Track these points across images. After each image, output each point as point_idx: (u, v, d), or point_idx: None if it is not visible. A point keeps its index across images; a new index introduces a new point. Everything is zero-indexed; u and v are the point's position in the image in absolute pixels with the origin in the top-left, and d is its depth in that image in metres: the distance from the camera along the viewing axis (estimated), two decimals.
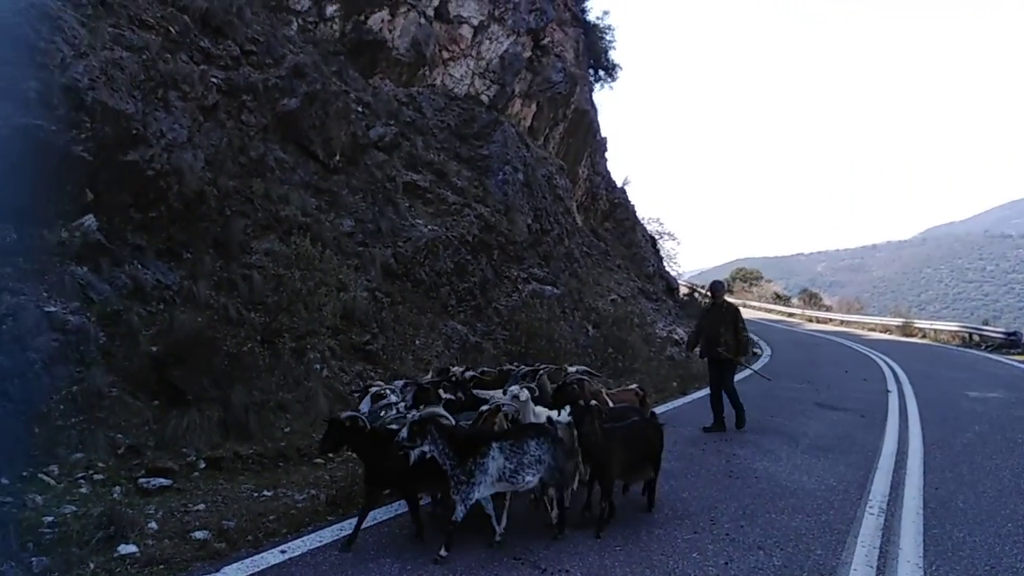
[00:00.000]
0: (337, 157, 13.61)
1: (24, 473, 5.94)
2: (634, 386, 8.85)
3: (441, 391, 7.09)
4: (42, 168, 7.89)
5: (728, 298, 11.53)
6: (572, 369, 7.84)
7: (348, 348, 11.07)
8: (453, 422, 5.50)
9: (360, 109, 15.48)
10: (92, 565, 4.82)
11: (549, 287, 16.95)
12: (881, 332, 34.55)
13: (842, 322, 39.45)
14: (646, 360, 16.45)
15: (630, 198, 32.74)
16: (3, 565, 4.54)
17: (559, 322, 14.74)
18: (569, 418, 6.12)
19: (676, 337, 21.23)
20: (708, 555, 5.62)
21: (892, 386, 15.49)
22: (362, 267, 12.22)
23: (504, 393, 6.53)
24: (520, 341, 13.71)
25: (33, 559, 4.72)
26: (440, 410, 5.51)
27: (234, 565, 4.99)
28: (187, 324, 8.49)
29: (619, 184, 32.80)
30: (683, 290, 35.18)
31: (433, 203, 15.16)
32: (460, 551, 5.44)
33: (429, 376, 8.00)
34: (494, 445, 5.36)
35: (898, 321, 34.49)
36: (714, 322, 10.45)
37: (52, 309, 7.35)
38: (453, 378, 7.53)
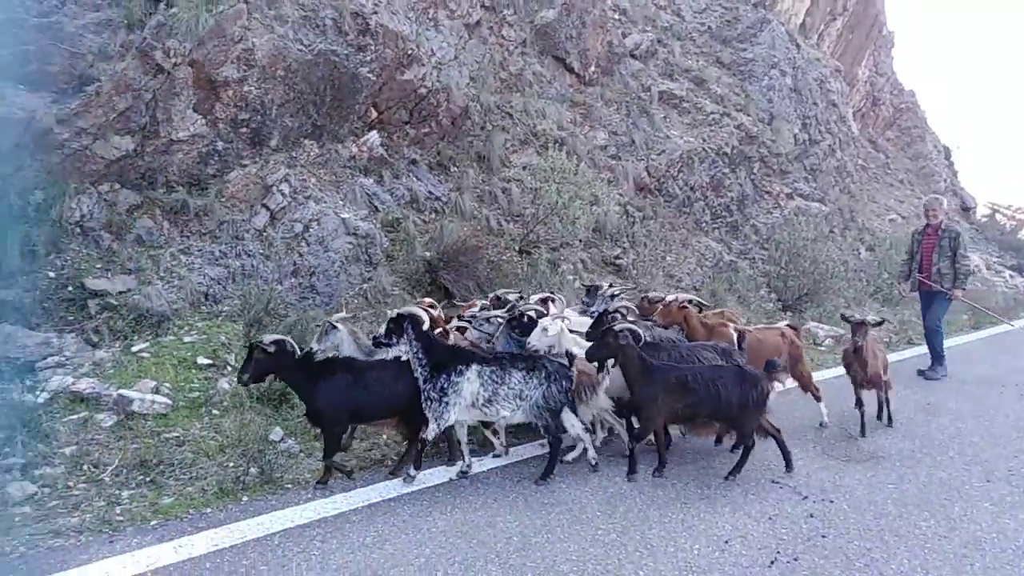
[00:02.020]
0: (592, 68, 13.46)
1: None
2: (782, 324, 7.13)
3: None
4: (337, 89, 8.83)
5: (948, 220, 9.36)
6: (614, 306, 6.42)
7: (599, 261, 11.23)
8: (428, 323, 4.98)
9: (616, 16, 15.05)
10: None
11: (816, 203, 15.54)
12: None
13: None
14: None
15: (920, 103, 28.37)
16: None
17: (826, 242, 13.53)
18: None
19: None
20: (1004, 507, 4.94)
21: None
22: (614, 180, 12.17)
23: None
24: (780, 262, 12.82)
25: None
26: (418, 310, 5.01)
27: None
28: (455, 233, 9.18)
29: (906, 87, 28.51)
30: (982, 210, 30.10)
31: (689, 113, 14.46)
32: (711, 469, 5.39)
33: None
34: (474, 367, 4.84)
35: None
36: (927, 247, 8.89)
37: (346, 216, 8.36)
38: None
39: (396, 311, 4.91)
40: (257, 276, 7.33)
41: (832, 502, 4.91)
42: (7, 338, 5.67)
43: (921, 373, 8.90)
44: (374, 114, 9.62)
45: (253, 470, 4.71)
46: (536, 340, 5.24)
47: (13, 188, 6.57)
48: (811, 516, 4.67)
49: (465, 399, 4.77)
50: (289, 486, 4.61)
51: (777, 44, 17.10)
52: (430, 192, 9.89)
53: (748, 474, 5.34)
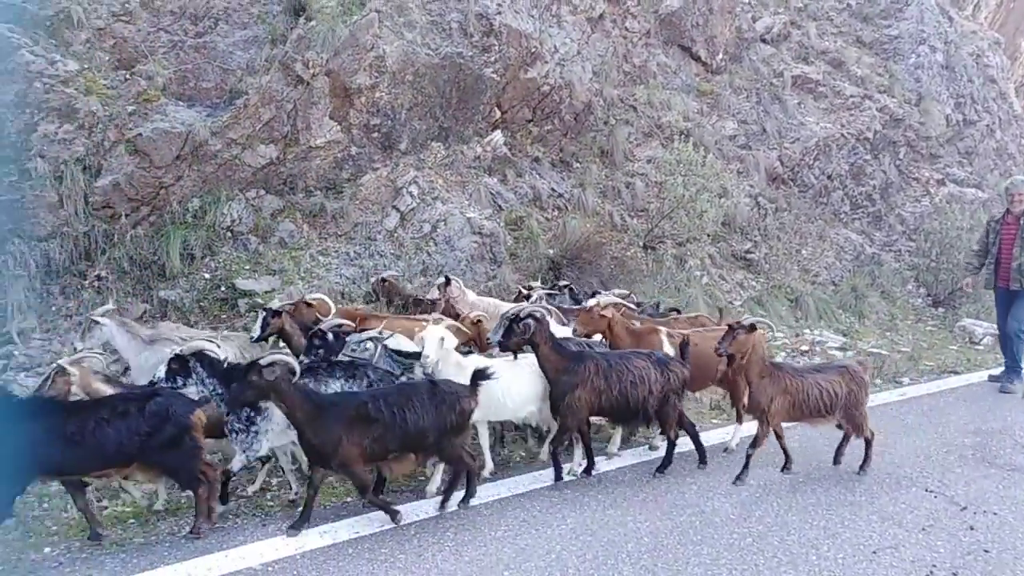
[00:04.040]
0: (720, 55, 12.98)
1: None
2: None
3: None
4: (462, 90, 9.02)
5: None
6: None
7: (728, 256, 10.84)
8: (221, 356, 4.32)
9: (746, 0, 14.42)
10: None
11: (972, 190, 14.22)
12: None
13: None
14: None
15: None
16: None
17: None
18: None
19: None
20: None
21: None
22: (745, 171, 11.68)
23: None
24: (930, 254, 11.91)
25: None
26: (206, 344, 4.37)
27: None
28: (578, 229, 9.16)
29: None
30: None
31: (826, 97, 13.62)
32: (855, 475, 5.06)
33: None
34: None
35: None
36: (1007, 238, 7.79)
37: (472, 215, 8.53)
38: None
39: (177, 350, 4.24)
40: None
41: (996, 514, 4.51)
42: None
43: (994, 379, 7.91)
44: (498, 114, 9.76)
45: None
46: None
47: (174, 197, 7.21)
48: (971, 529, 4.31)
49: (278, 423, 4.23)
50: (423, 479, 4.75)
51: (926, 18, 15.76)
52: (553, 189, 9.91)
53: (898, 481, 5.00)
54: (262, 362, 3.85)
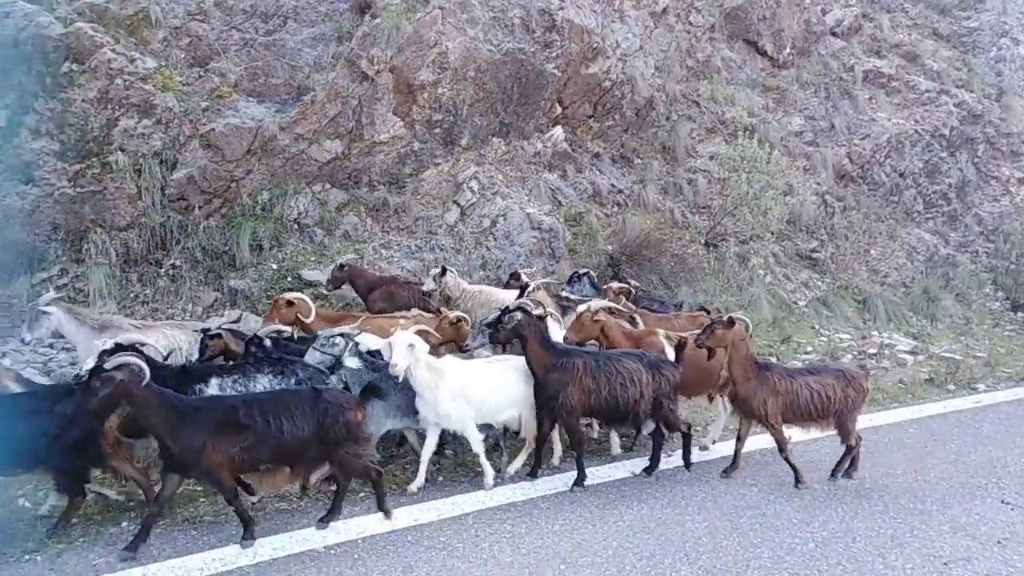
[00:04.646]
0: (787, 50, 12.64)
1: None
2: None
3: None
4: (524, 86, 9.03)
5: None
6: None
7: (793, 255, 10.57)
8: (160, 353, 4.33)
9: None
10: None
11: None
12: None
13: None
14: None
15: None
16: None
17: None
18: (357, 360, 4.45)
19: None
20: None
21: None
22: (811, 168, 11.36)
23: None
24: (1009, 255, 11.37)
25: None
26: (143, 337, 4.32)
27: None
28: (637, 226, 9.07)
29: None
30: None
31: (899, 92, 13.11)
32: (925, 483, 4.88)
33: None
34: (213, 381, 4.30)
35: None
36: None
37: (531, 211, 8.53)
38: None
39: (112, 341, 4.15)
40: None
41: None
42: (243, 320, 6.42)
43: None
44: (558, 110, 9.73)
45: (448, 452, 4.96)
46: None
47: (245, 190, 7.44)
48: None
49: None
50: (479, 469, 4.79)
51: (1008, 9, 15.00)
52: (613, 185, 9.84)
53: (971, 491, 4.81)
54: (106, 365, 3.51)
